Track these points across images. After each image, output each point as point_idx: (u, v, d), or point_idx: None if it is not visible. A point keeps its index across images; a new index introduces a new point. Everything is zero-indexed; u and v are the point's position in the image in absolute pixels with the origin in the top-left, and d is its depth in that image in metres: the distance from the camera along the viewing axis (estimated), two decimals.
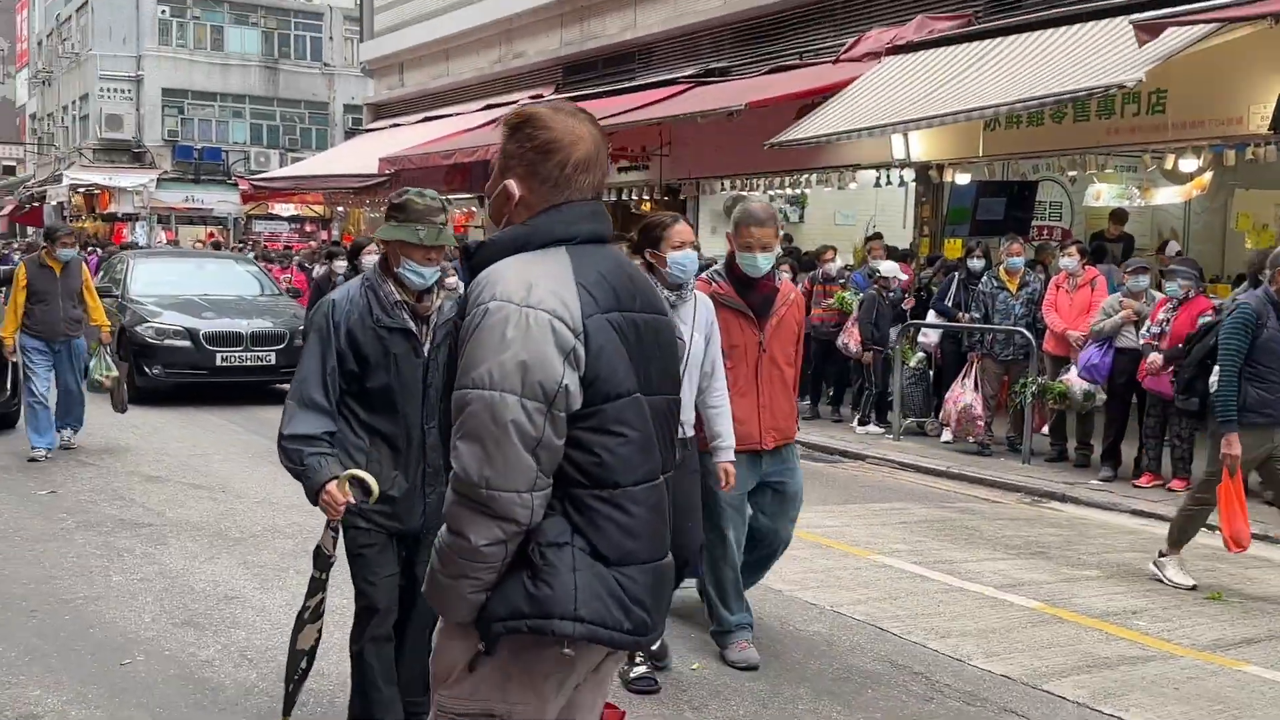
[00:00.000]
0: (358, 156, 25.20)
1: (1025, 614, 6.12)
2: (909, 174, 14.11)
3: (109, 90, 39.48)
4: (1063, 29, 11.40)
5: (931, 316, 11.88)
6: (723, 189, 17.23)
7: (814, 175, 15.35)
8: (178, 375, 13.09)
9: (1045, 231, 14.21)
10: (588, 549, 2.27)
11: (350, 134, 36.24)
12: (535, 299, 2.22)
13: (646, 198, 18.86)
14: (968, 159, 13.39)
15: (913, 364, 11.68)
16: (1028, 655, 5.42)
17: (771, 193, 16.99)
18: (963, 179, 13.71)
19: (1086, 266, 10.48)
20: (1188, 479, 9.07)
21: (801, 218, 18.41)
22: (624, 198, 19.24)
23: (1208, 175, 12.46)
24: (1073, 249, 10.63)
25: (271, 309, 14.19)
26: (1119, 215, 13.31)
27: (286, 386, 13.14)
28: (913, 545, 7.53)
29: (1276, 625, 6.09)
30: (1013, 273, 10.82)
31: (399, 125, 26.13)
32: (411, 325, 3.79)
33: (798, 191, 16.91)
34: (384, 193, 24.74)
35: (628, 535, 2.29)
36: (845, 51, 14.39)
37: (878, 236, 13.97)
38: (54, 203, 41.56)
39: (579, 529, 2.27)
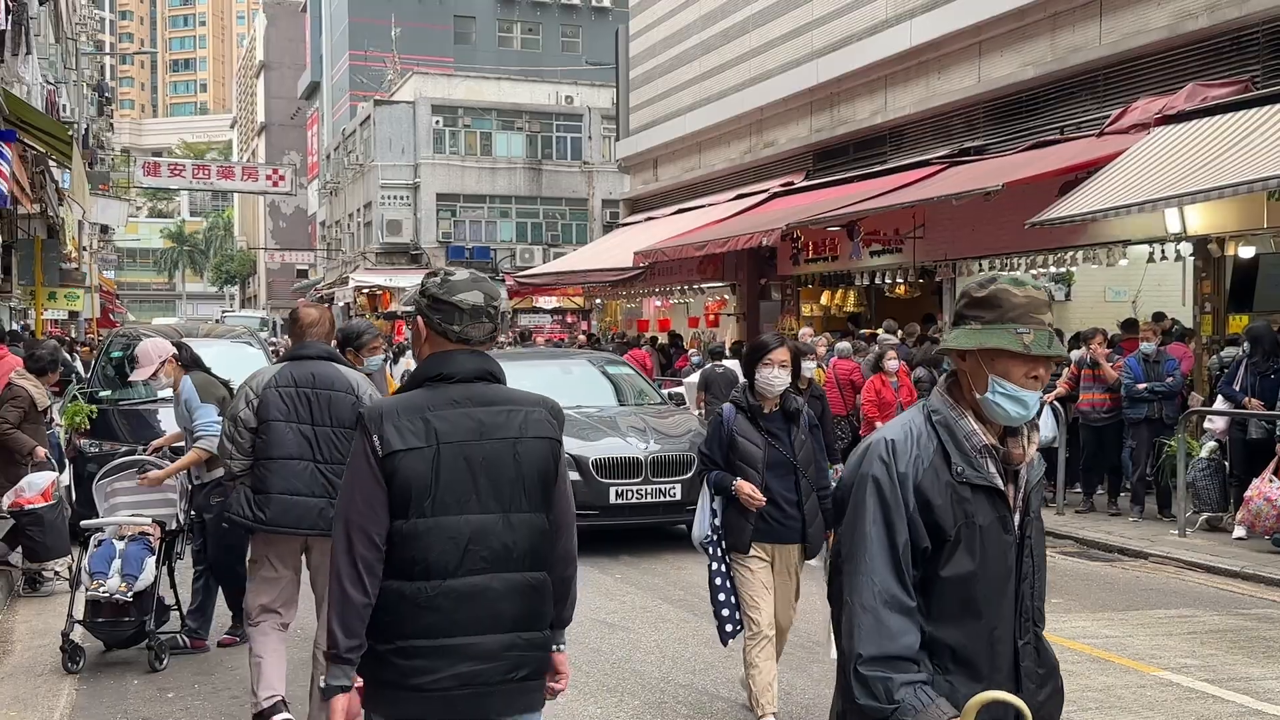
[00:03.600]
0: (615, 250, 25.99)
1: None
2: (1186, 248, 13.26)
3: (389, 197, 42.44)
4: None
5: (1219, 402, 11.03)
6: (980, 269, 16.72)
7: (1079, 252, 14.66)
8: None
9: None
10: (250, 485, 5.23)
11: (608, 228, 37.51)
12: (250, 380, 5.36)
13: (900, 281, 18.54)
14: (1251, 230, 12.48)
15: (1205, 454, 10.82)
16: None
17: (1034, 271, 16.35)
18: (1246, 252, 12.77)
19: None
20: None
21: (1068, 295, 17.60)
22: (876, 281, 18.98)
23: None
24: None
25: (664, 424, 11.19)
26: None
27: (684, 527, 10.76)
28: (1204, 659, 6.90)
29: None
30: None
31: (653, 218, 26.81)
32: (1000, 483, 2.54)
33: (1063, 270, 16.19)
34: (639, 284, 25.40)
35: (261, 481, 5.19)
36: (1110, 124, 13.77)
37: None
38: (341, 303, 44.75)
39: (251, 479, 5.25)
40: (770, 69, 22.12)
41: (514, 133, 43.48)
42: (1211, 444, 10.91)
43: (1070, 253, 14.72)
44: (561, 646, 3.22)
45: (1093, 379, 11.95)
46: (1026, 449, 2.58)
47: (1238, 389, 10.68)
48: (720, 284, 24.19)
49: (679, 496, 10.20)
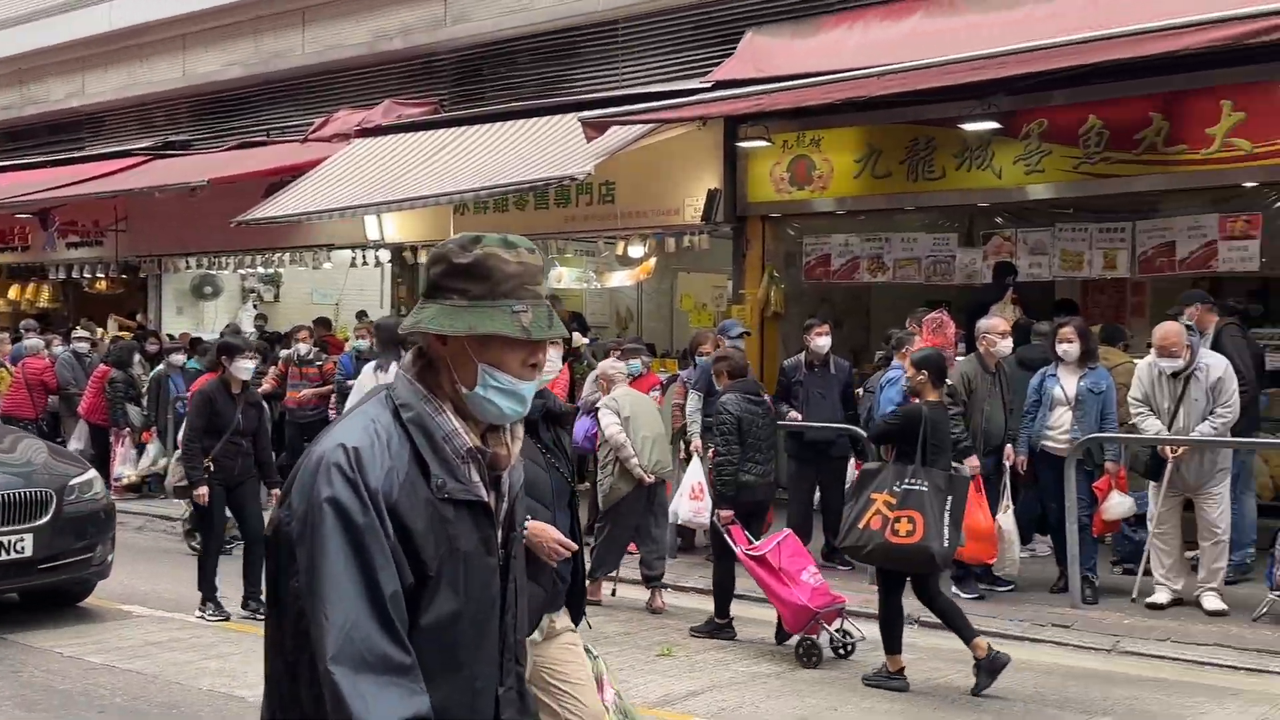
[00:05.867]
0: None
1: None
2: (384, 254, 14.20)
3: None
4: (522, 121, 12.02)
5: None
6: (188, 267, 16.43)
7: (287, 254, 15.05)
8: None
9: None
10: None
11: None
12: None
13: (101, 275, 17.57)
14: (440, 241, 13.67)
15: None
16: None
17: (243, 271, 16.46)
18: None
19: None
20: None
21: (277, 297, 17.93)
22: (74, 275, 17.76)
23: (653, 260, 13.62)
24: None
25: (8, 454, 8.00)
26: None
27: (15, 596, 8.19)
28: None
29: (717, 676, 6.62)
30: None
31: None
32: (484, 494, 2.03)
33: (271, 270, 16.48)
34: None
35: None
36: (313, 131, 14.25)
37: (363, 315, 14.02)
38: None
39: None
40: None
41: None
42: None
43: (278, 254, 15.06)
44: None
45: (300, 375, 12.19)
46: (511, 448, 2.08)
47: None
48: None
49: (30, 552, 7.20)
